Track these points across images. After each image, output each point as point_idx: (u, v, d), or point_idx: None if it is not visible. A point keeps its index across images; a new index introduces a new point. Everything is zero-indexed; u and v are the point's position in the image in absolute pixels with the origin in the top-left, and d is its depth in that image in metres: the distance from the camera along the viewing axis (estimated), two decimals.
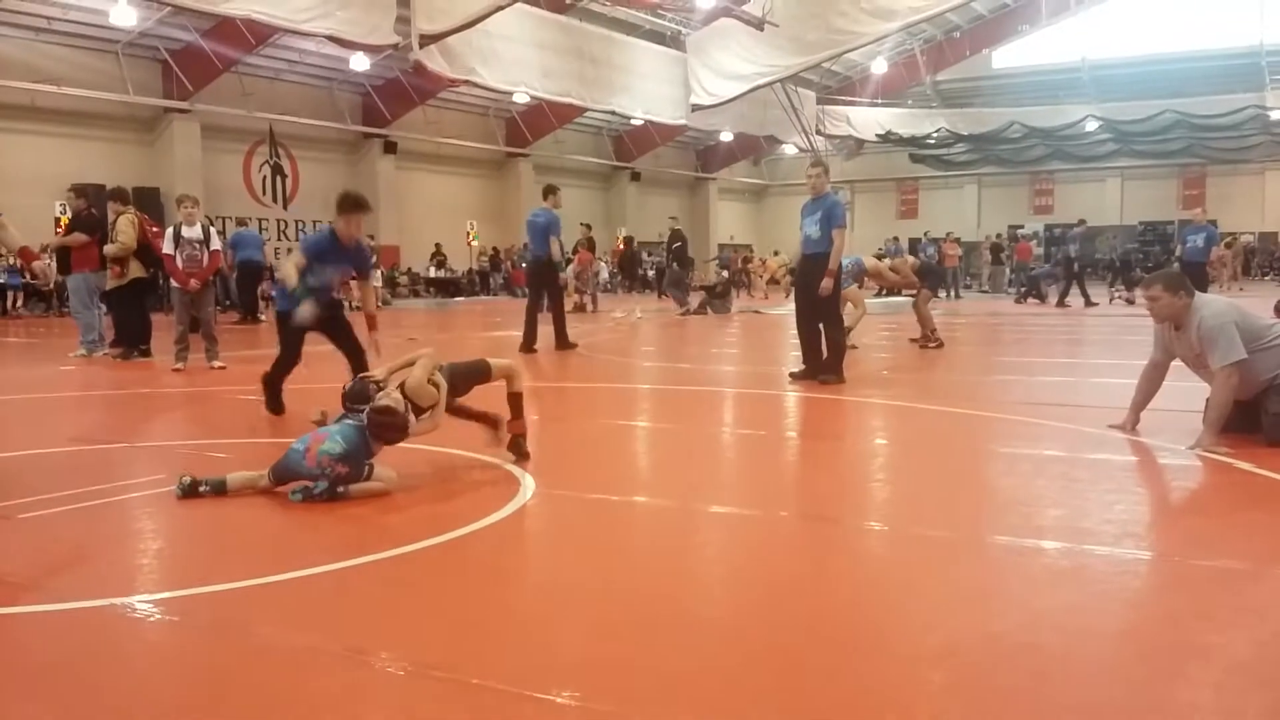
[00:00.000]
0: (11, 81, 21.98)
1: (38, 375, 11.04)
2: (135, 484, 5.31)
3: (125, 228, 11.90)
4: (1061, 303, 22.86)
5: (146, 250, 11.94)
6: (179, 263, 10.72)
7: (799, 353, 9.84)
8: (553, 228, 13.03)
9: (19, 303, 22.52)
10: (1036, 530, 4.34)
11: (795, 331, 9.92)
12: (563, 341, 13.21)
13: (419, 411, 5.22)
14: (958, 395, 8.96)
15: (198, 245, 10.84)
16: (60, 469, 5.72)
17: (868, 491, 5.48)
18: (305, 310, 6.75)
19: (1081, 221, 26.09)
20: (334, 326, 7.24)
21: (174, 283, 10.94)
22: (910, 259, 14.13)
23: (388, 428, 5.03)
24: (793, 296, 10.38)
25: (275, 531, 4.53)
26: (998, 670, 2.89)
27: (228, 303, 21.37)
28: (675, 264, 22.74)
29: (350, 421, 5.06)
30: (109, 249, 12.04)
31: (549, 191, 13.60)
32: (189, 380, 9.91)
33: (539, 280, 13.62)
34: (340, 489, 4.85)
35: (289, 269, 6.84)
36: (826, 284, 9.21)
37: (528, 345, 12.92)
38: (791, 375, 9.58)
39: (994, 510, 4.90)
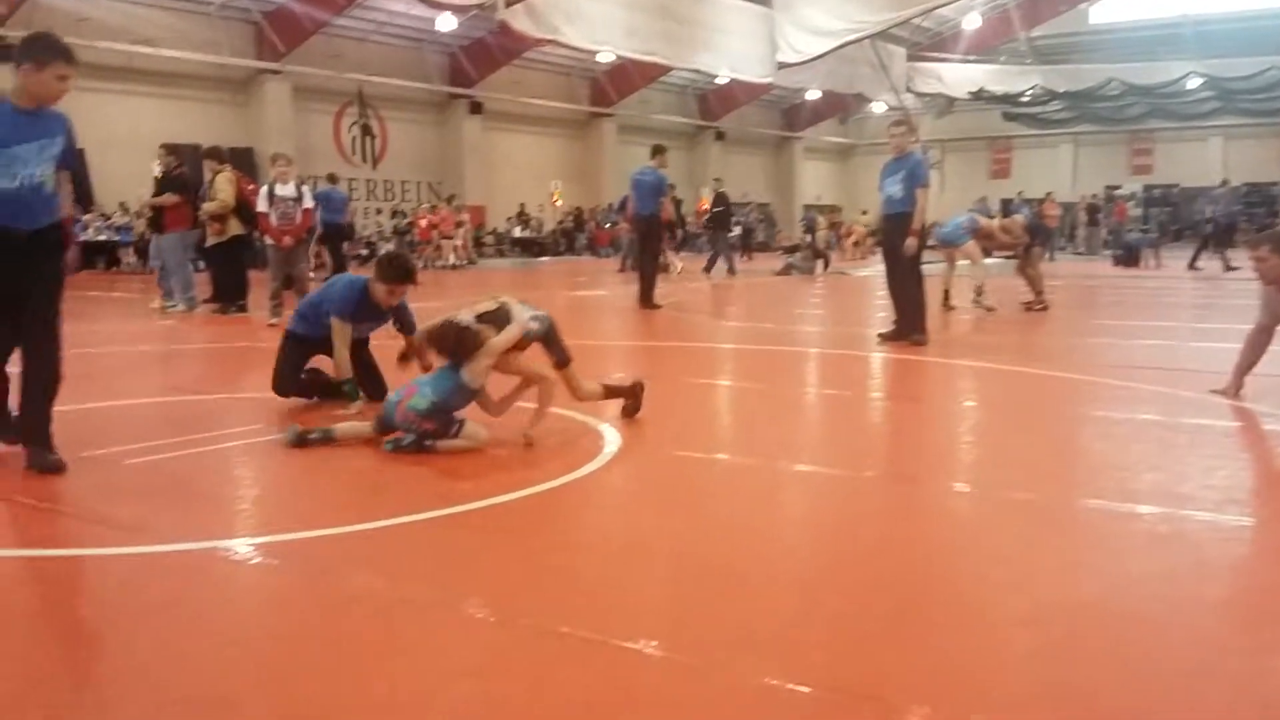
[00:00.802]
0: (109, 43, 22.52)
1: (140, 329, 11.38)
2: (234, 433, 5.46)
3: (224, 185, 12.16)
4: (1193, 265, 21.87)
5: (244, 207, 12.18)
6: (273, 220, 10.94)
7: (885, 313, 9.71)
8: (661, 186, 13.40)
9: (127, 260, 23.05)
10: (1131, 495, 4.24)
11: (885, 292, 9.79)
12: (647, 301, 13.29)
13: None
14: (1052, 358, 8.77)
15: (291, 203, 11.04)
16: (163, 417, 5.90)
17: (955, 453, 5.41)
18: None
19: (1225, 182, 24.81)
20: (363, 372, 6.25)
21: (268, 240, 11.18)
22: (1019, 218, 13.74)
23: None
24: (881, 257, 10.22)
25: (370, 481, 4.63)
26: (1090, 637, 2.84)
27: (321, 261, 21.71)
28: (714, 227, 22.28)
29: (446, 369, 5.12)
30: (208, 206, 12.31)
31: (656, 151, 14.02)
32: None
33: (646, 237, 13.91)
34: (427, 443, 4.93)
35: (344, 357, 6.00)
36: (911, 243, 9.05)
37: (646, 301, 13.23)
38: (880, 336, 9.46)
39: (1086, 474, 4.79)
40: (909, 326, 9.24)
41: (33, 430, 4.57)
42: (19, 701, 2.46)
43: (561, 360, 5.49)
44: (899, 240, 9.13)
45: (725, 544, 3.71)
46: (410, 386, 5.08)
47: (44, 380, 4.57)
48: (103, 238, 22.70)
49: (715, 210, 22.18)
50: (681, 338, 10.89)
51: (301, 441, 5.02)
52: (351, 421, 5.22)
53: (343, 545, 3.62)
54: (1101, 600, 3.10)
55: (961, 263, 12.90)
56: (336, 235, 20.21)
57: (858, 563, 3.49)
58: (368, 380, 6.16)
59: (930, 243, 11.72)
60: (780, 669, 2.60)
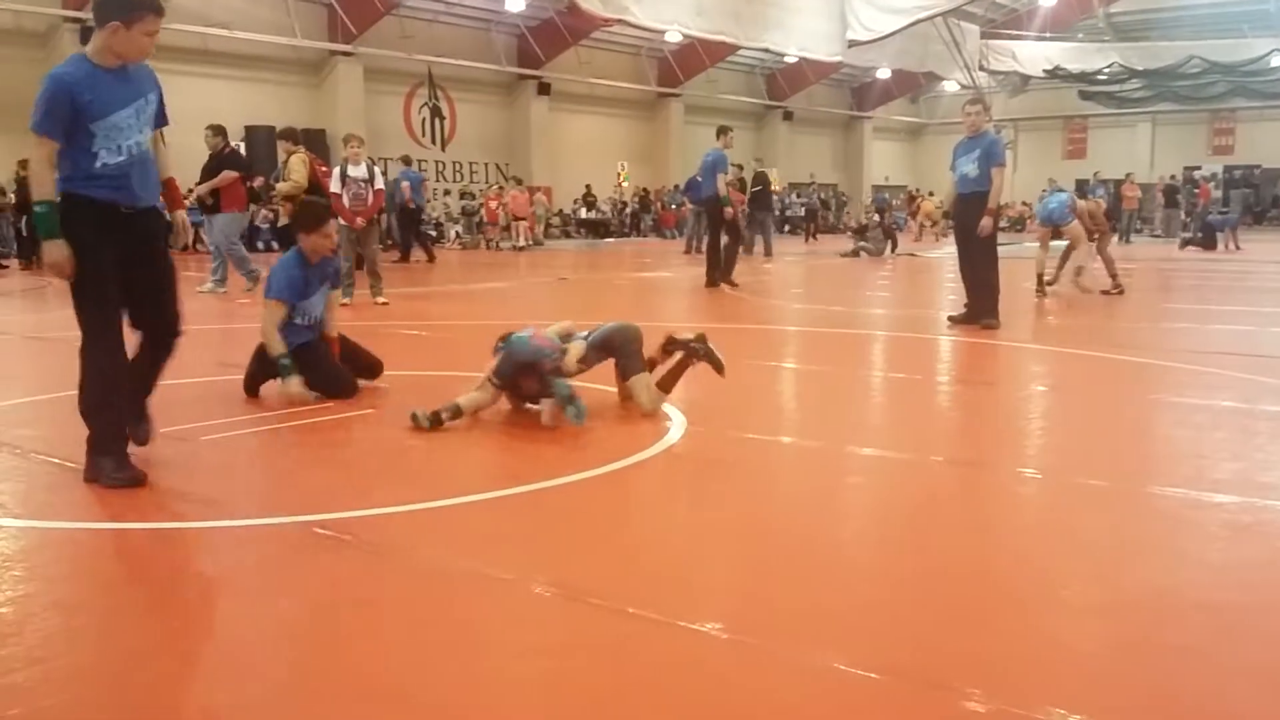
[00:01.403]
0: (186, 25, 22.92)
1: (209, 307, 11.61)
2: (304, 411, 5.55)
3: (297, 166, 12.30)
4: None
5: (317, 189, 12.31)
6: (345, 201, 11.08)
7: (955, 296, 9.57)
8: (719, 165, 13.45)
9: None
10: (1212, 484, 4.13)
11: (957, 274, 9.64)
12: (712, 279, 13.38)
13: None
14: (1127, 342, 8.58)
15: (363, 184, 11.17)
16: (235, 396, 6.02)
17: (1026, 438, 5.31)
18: (295, 386, 5.69)
19: None
20: (310, 364, 5.92)
21: (340, 220, 11.32)
22: (1101, 201, 13.45)
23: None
24: (953, 238, 10.06)
25: (439, 459, 4.68)
26: (1170, 627, 2.78)
27: (389, 241, 21.96)
28: (754, 206, 21.87)
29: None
30: (282, 187, 12.45)
31: (721, 131, 14.05)
32: (355, 314, 10.28)
33: (710, 218, 14.01)
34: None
35: (272, 335, 5.79)
36: (986, 224, 8.91)
37: (712, 280, 13.34)
38: (950, 319, 9.33)
39: (1164, 461, 4.69)
40: (981, 309, 9.10)
41: (135, 405, 4.45)
42: (124, 670, 2.53)
43: (624, 372, 5.51)
44: (973, 221, 8.98)
45: (791, 527, 3.69)
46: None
47: (161, 364, 4.53)
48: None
49: (754, 190, 21.96)
50: (747, 320, 10.83)
51: (437, 422, 4.99)
52: (471, 394, 5.19)
53: (413, 522, 3.67)
54: (1181, 590, 3.03)
55: (1054, 243, 12.55)
56: (415, 215, 20.39)
57: (925, 548, 3.45)
58: (324, 378, 5.91)
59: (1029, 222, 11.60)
60: (847, 654, 2.58)
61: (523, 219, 25.66)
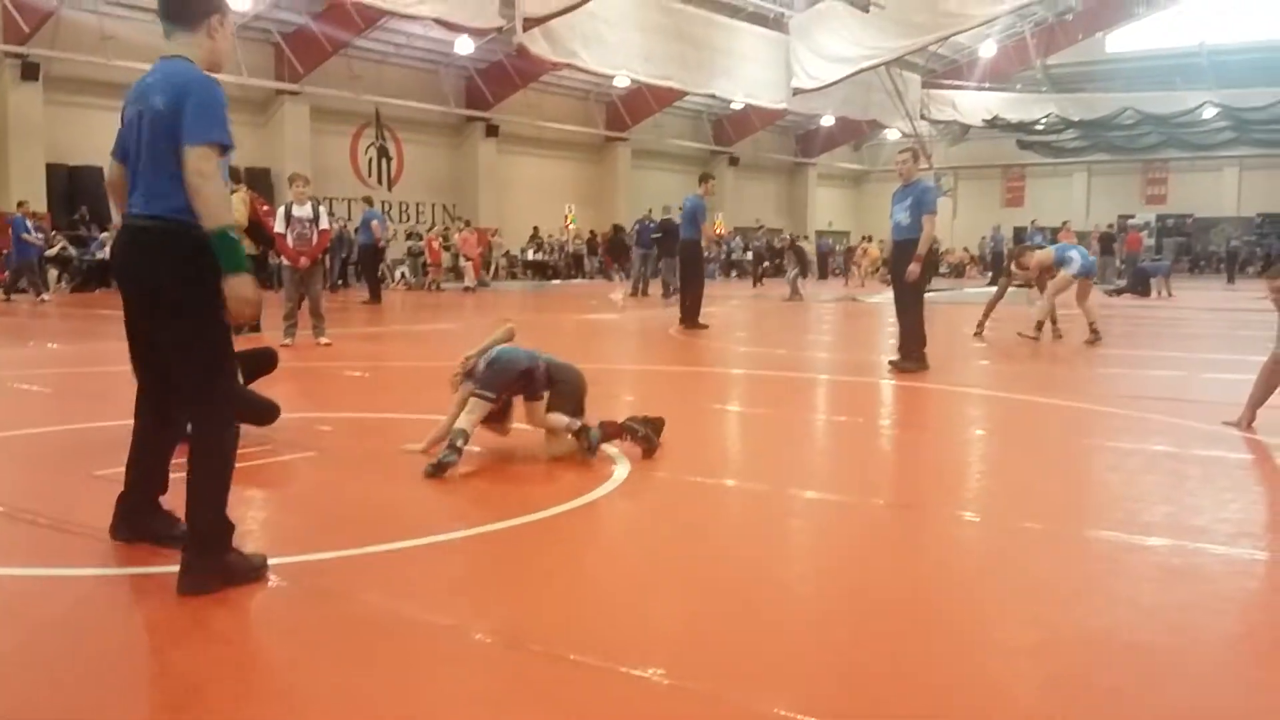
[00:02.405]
0: (131, 63, 22.64)
1: None
2: (245, 453, 5.46)
3: (237, 205, 12.21)
4: None
5: (257, 228, 12.22)
6: (289, 241, 11.01)
7: (894, 341, 9.71)
8: (698, 213, 14.10)
9: None
10: (1144, 527, 4.21)
11: (892, 321, 9.79)
12: (691, 322, 13.86)
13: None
14: (1062, 387, 8.75)
15: (308, 224, 11.11)
16: None
17: (964, 482, 5.39)
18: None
19: None
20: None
21: (284, 260, 11.24)
22: (1050, 250, 13.75)
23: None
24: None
25: (378, 503, 4.64)
26: (1103, 668, 2.82)
27: (339, 281, 21.77)
28: (663, 251, 22.32)
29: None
30: None
31: (702, 179, 14.77)
32: (297, 355, 10.19)
33: (684, 260, 14.67)
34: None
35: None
36: (913, 269, 9.10)
37: (690, 322, 13.85)
38: (891, 364, 9.45)
39: (1097, 505, 4.77)
40: (904, 354, 9.28)
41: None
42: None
43: (553, 406, 5.42)
44: (904, 267, 9.14)
45: (734, 571, 3.70)
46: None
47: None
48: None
49: (655, 236, 22.65)
50: (692, 362, 10.89)
51: (451, 463, 4.88)
52: (463, 416, 5.08)
53: (352, 567, 3.63)
54: (1113, 632, 3.08)
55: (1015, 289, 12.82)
56: (373, 257, 20.29)
57: (866, 591, 3.48)
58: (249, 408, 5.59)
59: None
60: (788, 699, 2.59)
61: (470, 260, 25.65)
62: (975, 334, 12.87)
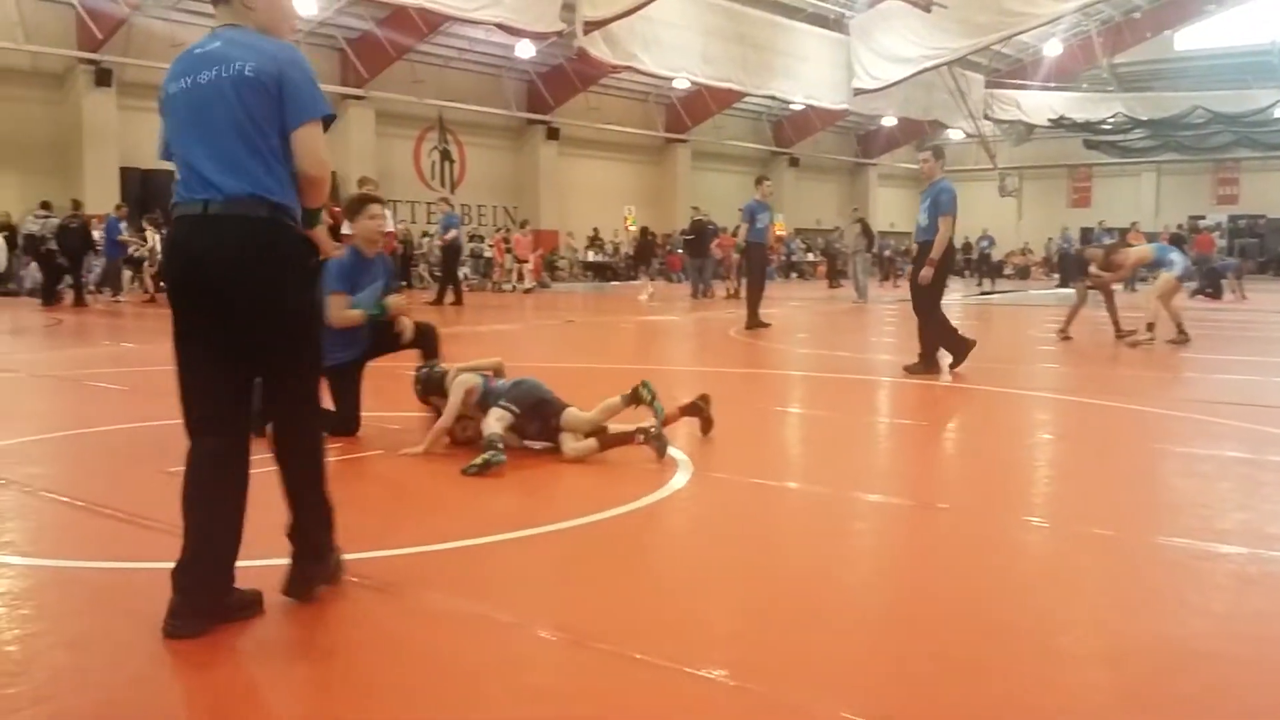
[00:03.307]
0: None
1: None
2: None
3: None
4: None
5: (335, 230, 12.38)
6: None
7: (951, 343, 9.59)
8: (753, 213, 14.22)
9: None
10: (1218, 534, 4.13)
11: (961, 323, 9.69)
12: (753, 321, 13.87)
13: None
14: (1131, 391, 8.59)
15: None
16: None
17: (1031, 487, 5.32)
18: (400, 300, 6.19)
19: None
20: (338, 390, 5.90)
21: None
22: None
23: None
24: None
25: (447, 502, 4.70)
26: (1175, 677, 2.78)
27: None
28: (690, 254, 23.65)
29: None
30: None
31: (758, 181, 14.96)
32: None
33: (747, 261, 14.86)
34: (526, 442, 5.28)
35: (344, 317, 5.86)
36: (925, 273, 9.01)
37: (752, 321, 13.90)
38: (905, 368, 9.31)
39: (1169, 511, 4.69)
40: (924, 357, 9.19)
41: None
42: (131, 710, 2.54)
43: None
44: (937, 268, 9.05)
45: (796, 574, 3.70)
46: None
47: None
48: None
49: (687, 238, 23.51)
50: (753, 364, 10.86)
51: (496, 460, 5.00)
52: (492, 424, 5.22)
53: (420, 564, 3.68)
54: (1185, 641, 3.03)
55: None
56: (454, 259, 20.63)
57: (930, 596, 3.45)
58: (343, 410, 5.94)
59: (1176, 274, 11.68)
60: (851, 703, 2.58)
61: (525, 261, 25.86)
62: (1061, 335, 12.60)
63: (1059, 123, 36.68)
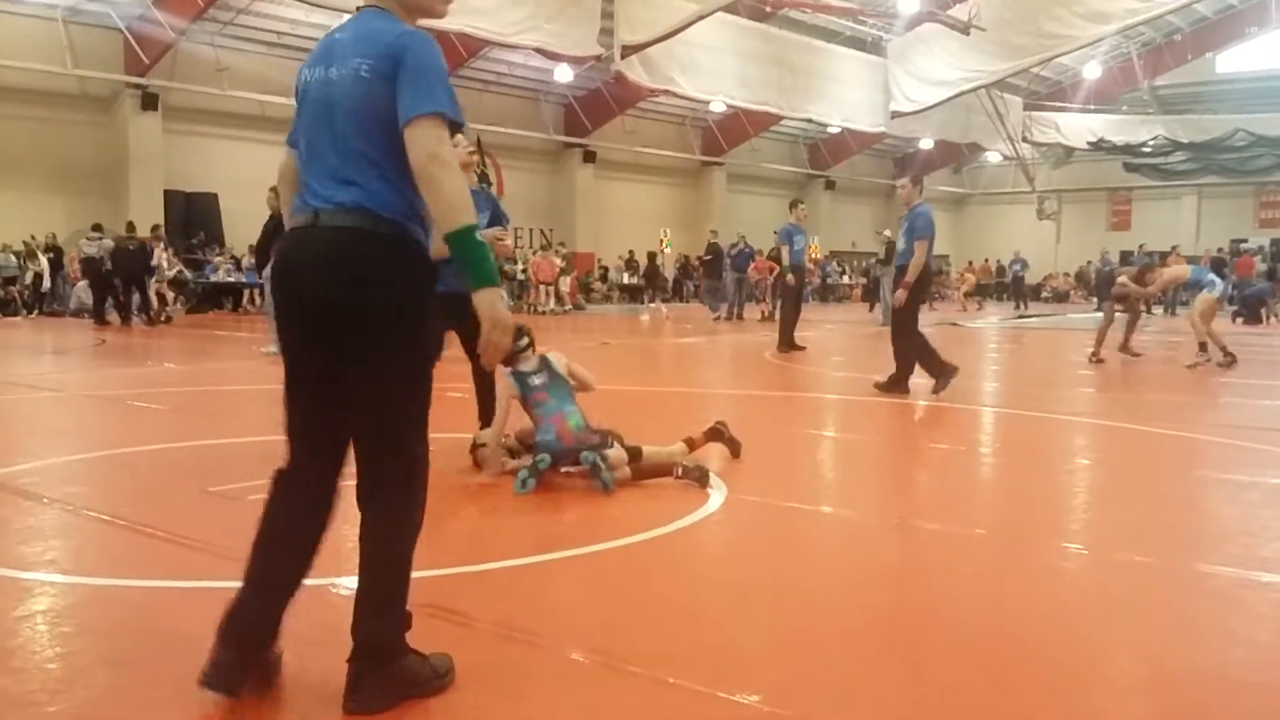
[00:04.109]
0: (245, 93, 23.59)
1: (267, 369, 11.79)
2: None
3: None
4: None
5: None
6: None
7: (997, 367, 9.52)
8: (786, 236, 14.46)
9: (255, 300, 23.88)
10: (1262, 562, 4.07)
11: (1000, 344, 9.62)
12: (785, 343, 13.88)
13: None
14: (1172, 416, 8.48)
15: None
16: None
17: (1069, 513, 5.26)
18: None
19: None
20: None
21: None
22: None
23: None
24: (982, 308, 10.07)
25: (481, 523, 4.72)
26: (1220, 708, 2.73)
27: None
28: (706, 274, 24.31)
29: (546, 379, 5.25)
30: None
31: (792, 205, 15.13)
32: None
33: (784, 284, 14.94)
34: (584, 457, 5.09)
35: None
36: (900, 295, 9.09)
37: (786, 344, 13.91)
38: (876, 384, 9.40)
39: (1211, 538, 4.62)
40: (896, 378, 9.21)
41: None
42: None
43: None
44: (911, 290, 9.11)
45: (831, 599, 3.68)
46: (551, 417, 5.16)
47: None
48: (231, 279, 23.61)
49: (705, 259, 24.07)
50: (787, 387, 10.83)
51: (536, 476, 5.07)
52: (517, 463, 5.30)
53: (457, 585, 3.70)
54: (1229, 671, 2.98)
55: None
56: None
57: (967, 623, 3.42)
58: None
59: (1217, 295, 11.77)
60: None
61: (549, 284, 26.08)
62: (1094, 358, 12.53)
63: (1098, 145, 36.42)
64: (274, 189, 12.54)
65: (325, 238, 2.60)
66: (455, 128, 2.59)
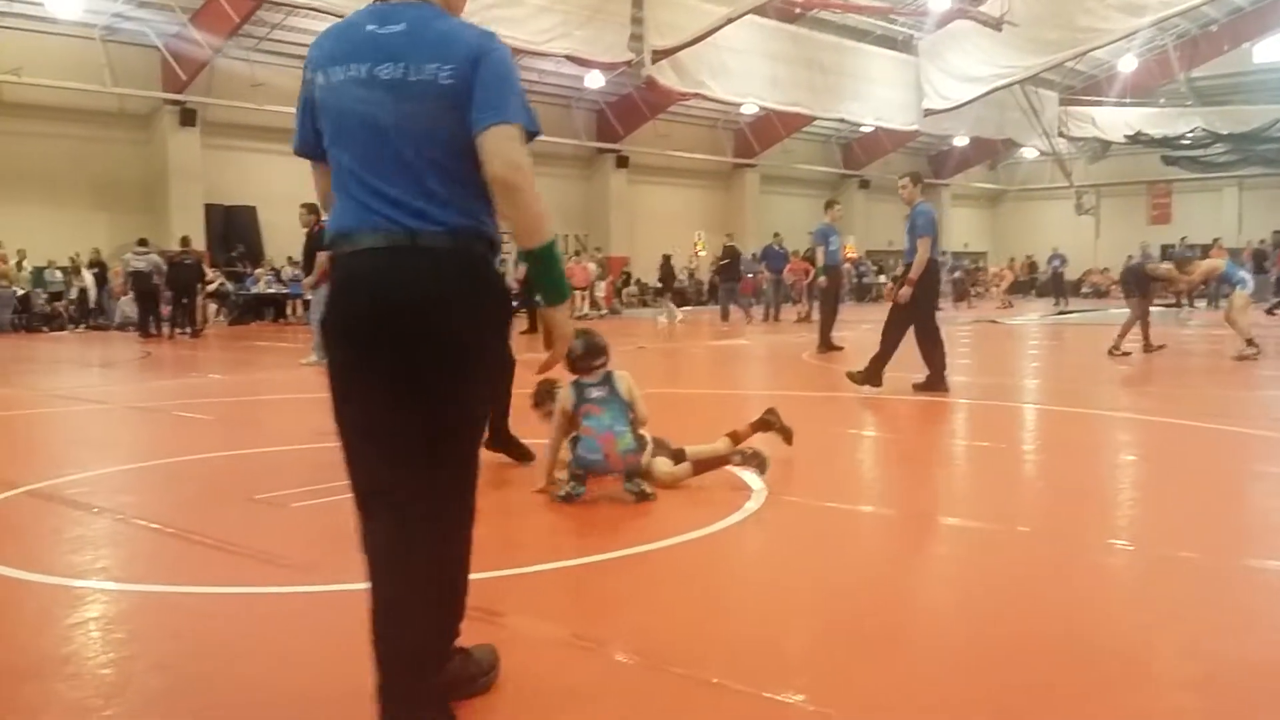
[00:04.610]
0: (280, 107, 23.82)
1: (307, 379, 11.92)
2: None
3: None
4: None
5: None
6: None
7: (1037, 364, 9.45)
8: (822, 237, 14.59)
9: (296, 310, 24.04)
10: None
11: (1040, 340, 9.55)
12: (825, 345, 13.94)
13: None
14: (1217, 410, 8.37)
15: None
16: (322, 462, 6.16)
17: (1112, 508, 5.21)
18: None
19: None
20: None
21: None
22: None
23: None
24: (1012, 306, 10.01)
25: (523, 525, 4.75)
26: (1272, 704, 2.70)
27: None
28: (723, 278, 24.35)
29: (605, 394, 5.11)
30: None
31: (828, 205, 15.14)
32: None
33: (820, 285, 15.05)
34: (629, 485, 5.00)
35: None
36: (904, 292, 9.16)
37: (824, 345, 14.01)
38: (848, 374, 9.53)
39: (1258, 533, 4.56)
40: (934, 377, 9.25)
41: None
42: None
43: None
44: (919, 289, 9.17)
45: (874, 598, 3.67)
46: (601, 436, 4.98)
47: None
48: (272, 290, 23.85)
49: (722, 262, 24.13)
50: (825, 386, 10.80)
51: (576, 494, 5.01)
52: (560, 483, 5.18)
53: (493, 589, 3.72)
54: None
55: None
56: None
57: (1011, 620, 3.40)
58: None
59: (1249, 292, 12.08)
60: None
61: (582, 289, 26.16)
62: (1115, 351, 12.60)
63: (1136, 139, 35.94)
64: (305, 205, 12.60)
65: (428, 261, 2.40)
66: (530, 139, 2.49)
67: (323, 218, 2.72)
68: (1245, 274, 12.43)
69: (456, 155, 2.41)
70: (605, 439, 4.98)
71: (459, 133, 2.39)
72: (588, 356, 5.13)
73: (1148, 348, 12.65)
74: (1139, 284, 12.81)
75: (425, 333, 2.39)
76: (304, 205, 12.87)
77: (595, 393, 5.11)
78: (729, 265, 23.85)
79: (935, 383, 9.21)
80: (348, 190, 2.47)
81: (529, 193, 2.41)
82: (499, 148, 2.38)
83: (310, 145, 2.59)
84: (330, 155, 2.53)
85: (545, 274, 2.50)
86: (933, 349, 9.29)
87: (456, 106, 2.38)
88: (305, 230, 12.90)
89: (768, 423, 5.89)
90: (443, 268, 2.41)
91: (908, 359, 9.31)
